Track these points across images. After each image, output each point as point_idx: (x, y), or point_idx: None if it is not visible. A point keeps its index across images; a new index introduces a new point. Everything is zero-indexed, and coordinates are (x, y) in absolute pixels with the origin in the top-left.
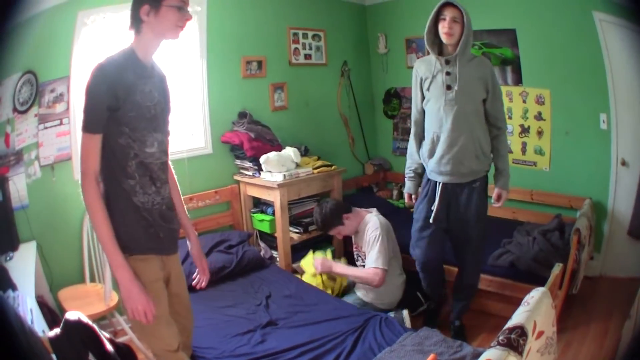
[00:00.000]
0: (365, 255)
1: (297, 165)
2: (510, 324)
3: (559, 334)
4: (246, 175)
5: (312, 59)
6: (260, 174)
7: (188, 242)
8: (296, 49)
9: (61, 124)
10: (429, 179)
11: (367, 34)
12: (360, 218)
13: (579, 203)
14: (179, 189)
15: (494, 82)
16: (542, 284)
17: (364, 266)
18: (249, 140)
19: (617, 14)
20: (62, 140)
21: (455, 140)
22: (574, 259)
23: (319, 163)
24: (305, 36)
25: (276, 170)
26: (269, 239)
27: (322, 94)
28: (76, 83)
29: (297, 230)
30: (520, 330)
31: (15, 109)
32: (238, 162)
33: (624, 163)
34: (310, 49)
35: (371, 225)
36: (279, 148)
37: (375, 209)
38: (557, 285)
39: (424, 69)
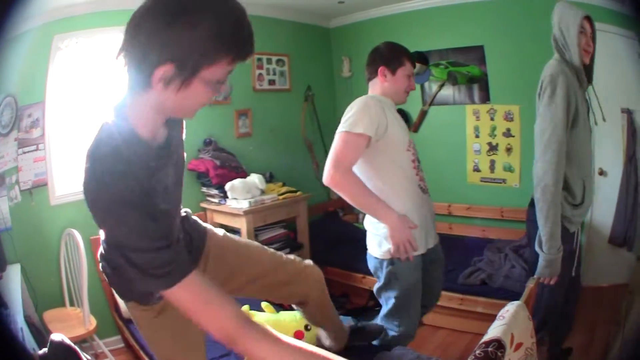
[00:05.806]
0: None
1: (263, 192)
2: (486, 337)
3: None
4: (212, 202)
5: (276, 84)
6: (226, 201)
7: None
8: (260, 74)
9: (37, 149)
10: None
11: (331, 58)
12: None
13: None
14: None
15: None
16: (517, 300)
17: None
18: (214, 167)
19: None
20: (39, 166)
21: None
22: None
23: (284, 189)
24: (269, 61)
25: (242, 197)
26: None
27: (286, 120)
28: (51, 109)
29: None
30: (498, 343)
31: None
32: (204, 189)
33: (601, 173)
34: (275, 74)
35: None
36: (244, 175)
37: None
38: (533, 298)
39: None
